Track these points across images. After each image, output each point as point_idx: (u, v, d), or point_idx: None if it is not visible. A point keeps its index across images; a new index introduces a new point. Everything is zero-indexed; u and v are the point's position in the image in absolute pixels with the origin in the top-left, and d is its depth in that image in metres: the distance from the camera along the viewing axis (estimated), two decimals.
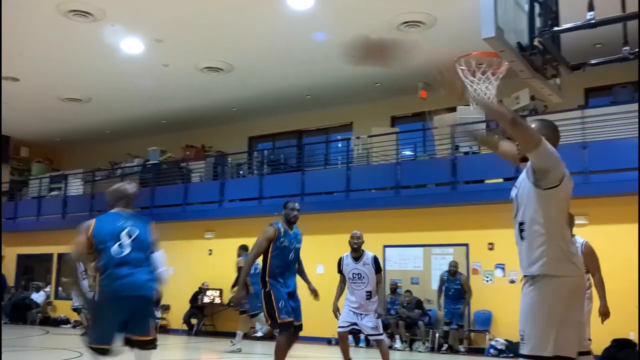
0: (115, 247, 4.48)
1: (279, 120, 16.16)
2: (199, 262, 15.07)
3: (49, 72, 13.54)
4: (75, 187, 17.82)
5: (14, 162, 19.45)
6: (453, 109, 10.70)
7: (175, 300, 14.71)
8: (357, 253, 7.22)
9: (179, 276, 14.66)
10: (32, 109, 16.17)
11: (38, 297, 17.59)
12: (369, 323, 7.16)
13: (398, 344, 11.64)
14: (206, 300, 14.48)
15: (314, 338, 11.95)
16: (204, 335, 14.22)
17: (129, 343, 4.56)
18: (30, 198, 18.58)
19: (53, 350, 11.45)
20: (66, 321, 16.94)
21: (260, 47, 11.91)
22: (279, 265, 6.26)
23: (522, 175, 3.30)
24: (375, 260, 7.22)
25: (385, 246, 12.77)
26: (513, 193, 3.36)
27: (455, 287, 11.38)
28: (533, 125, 3.29)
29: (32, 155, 19.77)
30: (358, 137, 13.96)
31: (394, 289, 12.45)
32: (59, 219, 17.43)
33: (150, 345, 4.56)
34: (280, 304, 6.08)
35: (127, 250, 4.50)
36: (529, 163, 3.21)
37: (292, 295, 6.32)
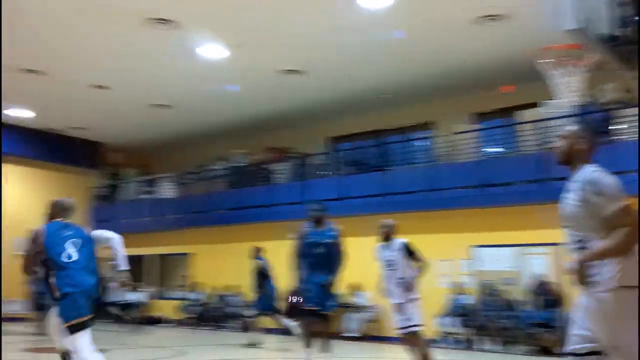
0: None
1: (358, 120, 16.11)
2: (285, 263, 15.25)
3: (137, 80, 14.09)
4: (167, 189, 18.51)
5: (108, 168, 20.38)
6: (536, 105, 10.33)
7: None
8: (386, 241, 7.49)
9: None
10: (123, 116, 16.88)
11: (136, 296, 18.35)
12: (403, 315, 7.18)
13: (490, 346, 11.41)
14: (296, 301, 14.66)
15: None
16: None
17: None
18: (126, 201, 19.44)
19: (153, 348, 11.90)
20: (164, 320, 17.59)
21: (337, 47, 11.89)
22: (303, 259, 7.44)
23: None
24: (405, 246, 7.36)
25: (473, 246, 12.42)
26: None
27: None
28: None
29: (126, 159, 20.65)
30: (440, 135, 13.74)
31: (487, 290, 12.16)
32: (154, 220, 18.14)
33: None
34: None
35: None
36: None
37: (322, 286, 7.30)
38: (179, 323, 16.83)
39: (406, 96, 14.47)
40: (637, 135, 9.15)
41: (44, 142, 18.58)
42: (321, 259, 7.44)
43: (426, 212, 12.61)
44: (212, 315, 16.13)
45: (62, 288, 5.30)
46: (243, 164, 17.25)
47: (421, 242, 8.49)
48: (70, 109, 16.43)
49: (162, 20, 10.76)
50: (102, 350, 9.61)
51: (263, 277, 11.73)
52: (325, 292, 7.37)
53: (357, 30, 11.06)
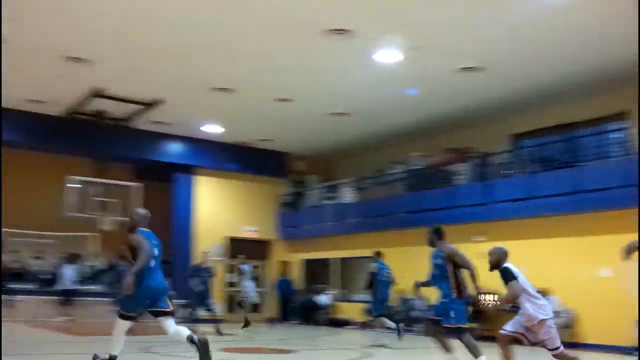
0: None
1: (543, 115, 15.21)
2: None
3: (316, 91, 14.56)
4: (348, 195, 18.91)
5: (292, 176, 21.31)
6: None
7: None
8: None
9: None
10: (305, 126, 17.54)
11: (322, 299, 18.97)
12: None
13: None
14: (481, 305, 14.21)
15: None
16: (482, 340, 13.93)
17: None
18: (309, 207, 20.17)
19: (339, 350, 12.18)
20: (349, 322, 17.98)
21: (517, 41, 11.37)
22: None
23: None
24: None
25: None
26: None
27: None
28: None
29: (309, 168, 21.46)
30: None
31: None
32: (336, 225, 18.63)
33: None
34: None
35: None
36: None
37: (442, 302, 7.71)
38: (363, 325, 17.06)
39: (596, 85, 13.41)
40: None
41: (234, 155, 19.88)
42: (435, 278, 7.92)
43: (625, 210, 11.53)
44: (396, 319, 16.11)
45: None
46: (422, 167, 17.10)
47: (622, 242, 7.76)
48: (256, 123, 17.42)
49: (338, 31, 11.00)
50: (291, 351, 10.06)
51: (375, 280, 12.03)
52: (447, 306, 7.64)
53: (536, 21, 10.49)
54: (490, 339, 13.65)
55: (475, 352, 7.55)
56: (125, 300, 6.96)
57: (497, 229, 13.94)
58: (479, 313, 14.21)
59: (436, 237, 8.03)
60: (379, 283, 12.07)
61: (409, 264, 16.47)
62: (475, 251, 14.85)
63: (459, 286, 7.66)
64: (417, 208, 16.07)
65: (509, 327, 6.78)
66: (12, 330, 13.42)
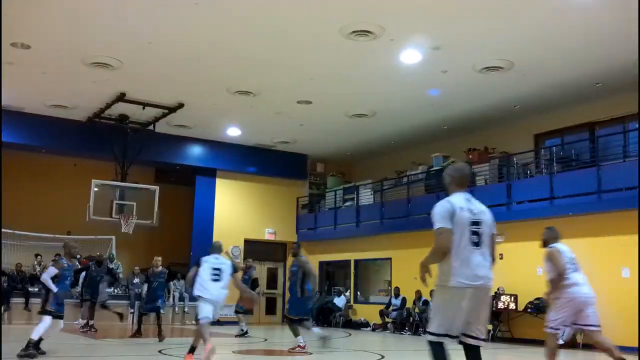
0: None
1: (567, 114, 15.11)
2: None
3: (336, 92, 14.59)
4: (366, 197, 18.91)
5: (311, 178, 21.37)
6: None
7: None
8: None
9: None
10: (325, 128, 17.58)
11: (339, 301, 18.99)
12: None
13: None
14: (500, 305, 14.17)
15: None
16: (501, 341, 13.91)
17: None
18: (327, 209, 20.21)
19: (357, 352, 12.18)
20: (366, 324, 17.99)
21: (540, 40, 11.33)
22: None
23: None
24: None
25: None
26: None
27: None
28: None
29: (327, 170, 21.51)
30: None
31: None
32: (354, 227, 18.66)
33: None
34: None
35: None
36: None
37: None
38: (381, 327, 17.06)
39: (622, 83, 13.29)
40: None
41: (253, 157, 19.97)
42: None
43: None
44: (413, 320, 16.14)
45: None
46: (443, 167, 17.03)
47: None
48: (277, 125, 17.49)
49: (359, 32, 11.04)
50: (309, 353, 10.09)
51: None
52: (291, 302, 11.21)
53: (561, 18, 10.45)
54: (510, 340, 13.77)
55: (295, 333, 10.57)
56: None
57: (517, 229, 13.89)
58: (497, 314, 14.18)
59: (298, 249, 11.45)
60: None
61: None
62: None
63: (302, 287, 10.77)
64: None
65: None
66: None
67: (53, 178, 19.59)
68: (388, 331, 16.64)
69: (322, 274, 20.71)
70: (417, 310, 15.97)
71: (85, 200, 15.68)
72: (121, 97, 14.98)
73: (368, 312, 18.37)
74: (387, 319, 16.95)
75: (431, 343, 4.51)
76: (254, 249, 20.13)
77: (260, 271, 20.73)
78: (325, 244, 20.07)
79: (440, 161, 17.18)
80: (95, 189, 15.86)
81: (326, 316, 18.82)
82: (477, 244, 4.57)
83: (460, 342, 4.55)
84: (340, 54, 12.20)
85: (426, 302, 15.72)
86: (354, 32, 11.04)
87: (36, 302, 15.59)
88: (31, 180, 19.29)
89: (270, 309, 20.89)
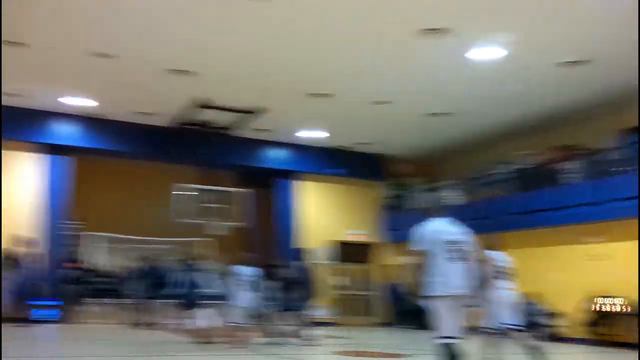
0: None
1: None
2: (580, 268, 14.16)
3: (415, 91, 14.34)
4: (450, 197, 18.42)
5: (393, 179, 21.09)
6: None
7: (564, 307, 14.27)
8: None
9: (561, 283, 14.05)
10: (405, 127, 17.33)
11: None
12: None
13: None
14: (605, 308, 13.51)
15: None
16: (605, 345, 13.24)
17: None
18: (412, 210, 19.84)
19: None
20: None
21: (623, 30, 10.62)
22: None
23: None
24: None
25: None
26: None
27: None
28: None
29: (409, 170, 21.14)
30: None
31: None
32: None
33: None
34: None
35: None
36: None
37: None
38: (477, 330, 16.61)
39: None
40: None
41: (334, 159, 19.98)
42: None
43: None
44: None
45: None
46: (528, 166, 16.40)
47: None
48: (355, 126, 17.40)
49: (435, 30, 10.80)
50: (403, 356, 9.92)
51: None
52: None
53: None
54: (617, 344, 13.03)
55: None
56: None
57: (613, 229, 13.16)
58: (605, 317, 13.52)
59: None
60: None
61: (517, 268, 15.91)
62: (585, 253, 14.21)
63: None
64: (524, 209, 15.45)
65: None
66: (126, 333, 14.10)
67: (144, 183, 20.33)
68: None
69: (411, 276, 20.29)
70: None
71: (171, 204, 16.15)
72: (203, 103, 15.34)
73: None
74: None
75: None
76: (339, 251, 20.02)
77: (348, 273, 20.60)
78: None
79: (526, 159, 16.54)
80: (181, 193, 16.31)
81: (418, 318, 18.46)
82: (453, 259, 5.67)
83: None
84: (418, 53, 11.99)
85: None
86: (431, 29, 10.81)
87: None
88: (125, 186, 20.11)
89: (363, 310, 20.70)
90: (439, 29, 10.76)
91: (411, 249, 5.77)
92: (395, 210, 20.46)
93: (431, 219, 6.02)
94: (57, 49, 12.26)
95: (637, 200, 11.50)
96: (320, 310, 16.15)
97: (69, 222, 17.39)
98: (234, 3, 10.13)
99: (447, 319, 5.59)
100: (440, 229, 5.82)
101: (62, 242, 16.73)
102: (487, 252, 8.00)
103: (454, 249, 5.73)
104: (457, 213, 17.45)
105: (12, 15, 10.69)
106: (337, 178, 20.23)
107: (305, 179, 19.99)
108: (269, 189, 20.04)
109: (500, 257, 8.27)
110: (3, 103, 15.70)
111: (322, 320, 18.60)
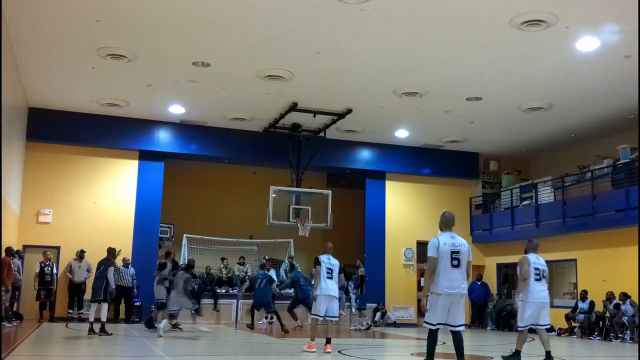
0: None
1: None
2: None
3: (508, 87, 14.01)
4: (546, 194, 17.89)
5: (484, 177, 20.66)
6: None
7: None
8: None
9: None
10: (497, 124, 16.94)
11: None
12: None
13: None
14: None
15: None
16: None
17: None
18: (503, 209, 19.42)
19: (540, 357, 11.55)
20: (550, 328, 16.99)
21: None
22: None
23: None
24: None
25: None
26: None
27: None
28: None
29: (501, 167, 20.64)
30: None
31: None
32: (533, 227, 17.72)
33: None
34: None
35: None
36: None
37: None
38: (567, 332, 16.03)
39: None
40: None
41: (423, 158, 19.80)
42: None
43: None
44: (603, 325, 14.99)
45: None
46: (629, 160, 15.65)
47: None
48: (445, 124, 17.18)
49: (532, 22, 10.53)
50: (487, 358, 9.73)
51: None
52: None
53: None
54: None
55: None
56: None
57: None
58: None
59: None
60: None
61: (616, 266, 15.27)
62: None
63: None
64: (624, 206, 14.77)
65: None
66: (219, 333, 14.50)
67: (234, 186, 20.89)
68: (575, 336, 15.62)
69: (500, 277, 19.95)
70: (607, 314, 14.82)
71: (265, 206, 16.52)
72: (293, 107, 15.60)
73: (553, 316, 17.24)
74: (573, 323, 15.92)
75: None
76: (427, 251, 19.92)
77: None
78: (501, 246, 19.31)
79: (627, 153, 15.79)
80: (274, 195, 16.63)
81: (506, 320, 18.08)
82: (457, 266, 6.80)
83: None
84: (511, 47, 11.73)
85: (617, 306, 14.55)
86: (525, 22, 10.55)
87: (223, 302, 16.73)
88: (215, 189, 20.75)
89: None
90: (536, 21, 10.49)
91: (427, 256, 6.95)
92: (487, 209, 20.04)
93: (441, 233, 7.16)
94: (164, 60, 12.86)
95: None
96: (401, 310, 16.30)
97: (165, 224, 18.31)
98: (328, 7, 10.24)
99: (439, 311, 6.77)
100: (447, 242, 6.96)
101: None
102: (525, 255, 8.71)
103: (459, 257, 6.87)
104: (554, 212, 17.06)
105: (118, 29, 11.32)
106: (426, 177, 20.03)
107: (394, 179, 19.89)
108: (360, 190, 20.08)
109: (537, 260, 8.75)
110: (106, 113, 16.67)
111: (402, 322, 18.54)
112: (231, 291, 18.25)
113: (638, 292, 9.33)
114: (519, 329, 8.89)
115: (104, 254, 12.40)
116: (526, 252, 8.89)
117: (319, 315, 9.72)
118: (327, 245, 10.17)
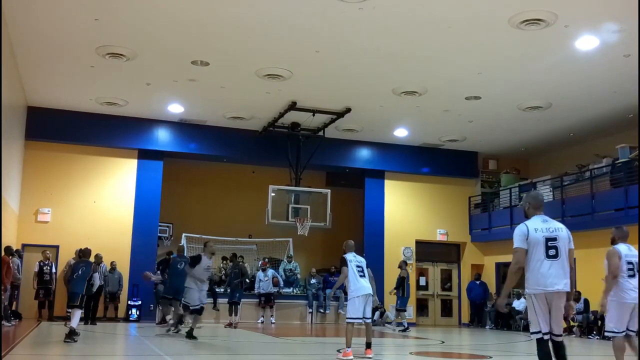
0: None
1: None
2: None
3: (507, 86, 14.02)
4: (545, 193, 17.88)
5: (483, 176, 20.67)
6: None
7: None
8: None
9: None
10: (496, 123, 16.94)
11: (519, 304, 18.15)
12: None
13: None
14: None
15: None
16: None
17: None
18: (502, 208, 19.42)
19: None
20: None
21: None
22: None
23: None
24: None
25: None
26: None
27: None
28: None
29: (500, 166, 20.66)
30: None
31: None
32: None
33: None
34: None
35: None
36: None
37: None
38: (566, 331, 16.05)
39: None
40: None
41: (422, 157, 19.81)
42: None
43: None
44: (601, 324, 15.02)
45: None
46: (628, 159, 15.66)
47: None
48: (444, 123, 17.18)
49: (532, 21, 10.53)
50: (486, 357, 9.75)
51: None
52: None
53: None
54: None
55: None
56: None
57: None
58: None
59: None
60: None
61: None
62: None
63: None
64: (624, 205, 14.78)
65: None
66: (216, 332, 14.51)
67: (233, 185, 20.88)
68: (574, 335, 15.64)
69: (499, 276, 19.95)
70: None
71: (264, 205, 16.51)
72: (292, 106, 15.59)
73: None
74: (572, 323, 15.94)
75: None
76: (426, 250, 19.99)
77: (434, 272, 20.51)
78: (500, 245, 19.28)
79: (627, 152, 15.79)
80: (272, 194, 16.61)
81: (505, 320, 18.09)
82: (554, 257, 5.42)
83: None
84: (510, 46, 11.73)
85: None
86: (525, 21, 10.54)
87: (223, 301, 16.71)
88: (214, 188, 20.73)
89: (446, 311, 20.56)
90: (535, 20, 10.49)
91: (514, 247, 5.59)
92: (485, 209, 20.05)
93: (531, 217, 5.83)
94: (163, 59, 12.85)
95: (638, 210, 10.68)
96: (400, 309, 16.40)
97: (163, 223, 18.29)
98: (327, 6, 10.23)
99: (541, 315, 5.40)
100: (539, 227, 5.60)
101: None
102: (614, 246, 6.99)
103: (557, 245, 5.47)
104: (553, 211, 17.10)
105: (119, 28, 11.30)
106: (425, 176, 20.04)
107: (393, 178, 19.91)
108: (359, 189, 20.08)
109: (629, 251, 6.97)
110: (105, 112, 16.66)
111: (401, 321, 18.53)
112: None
113: (638, 292, 9.31)
114: (615, 335, 6.89)
115: (104, 253, 12.29)
116: (613, 243, 7.12)
117: (357, 318, 8.73)
118: (349, 243, 9.27)
